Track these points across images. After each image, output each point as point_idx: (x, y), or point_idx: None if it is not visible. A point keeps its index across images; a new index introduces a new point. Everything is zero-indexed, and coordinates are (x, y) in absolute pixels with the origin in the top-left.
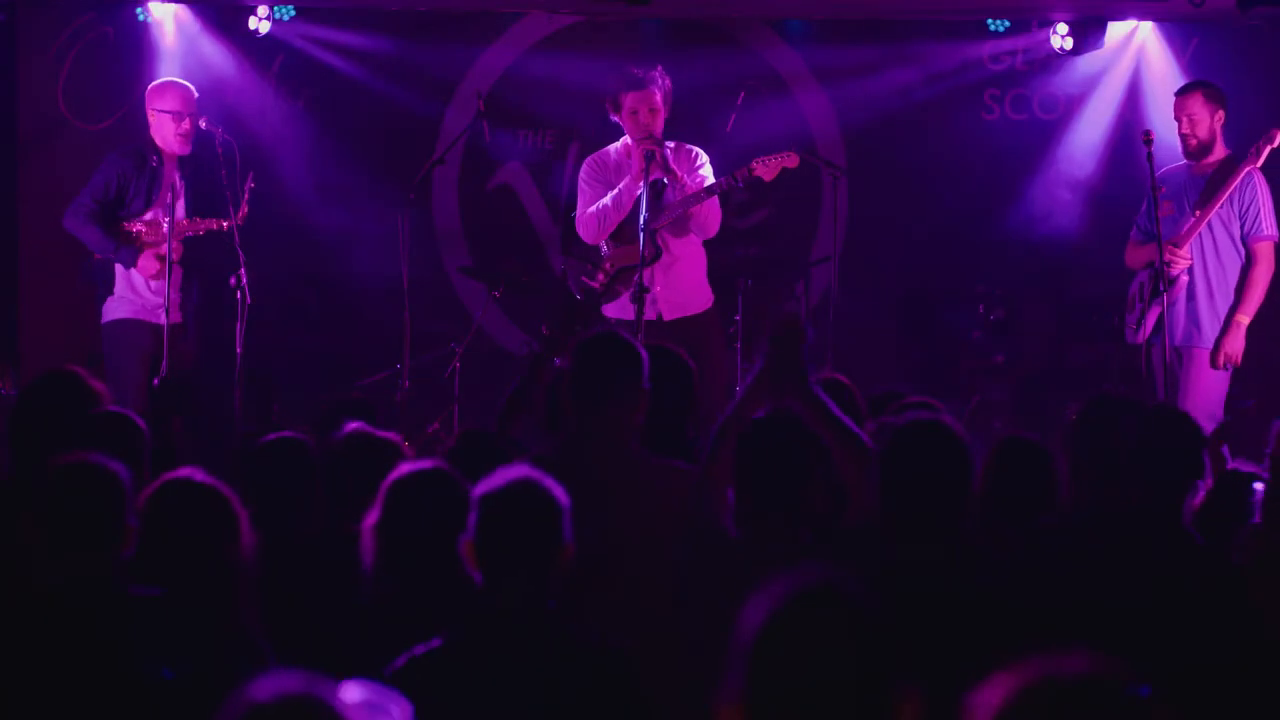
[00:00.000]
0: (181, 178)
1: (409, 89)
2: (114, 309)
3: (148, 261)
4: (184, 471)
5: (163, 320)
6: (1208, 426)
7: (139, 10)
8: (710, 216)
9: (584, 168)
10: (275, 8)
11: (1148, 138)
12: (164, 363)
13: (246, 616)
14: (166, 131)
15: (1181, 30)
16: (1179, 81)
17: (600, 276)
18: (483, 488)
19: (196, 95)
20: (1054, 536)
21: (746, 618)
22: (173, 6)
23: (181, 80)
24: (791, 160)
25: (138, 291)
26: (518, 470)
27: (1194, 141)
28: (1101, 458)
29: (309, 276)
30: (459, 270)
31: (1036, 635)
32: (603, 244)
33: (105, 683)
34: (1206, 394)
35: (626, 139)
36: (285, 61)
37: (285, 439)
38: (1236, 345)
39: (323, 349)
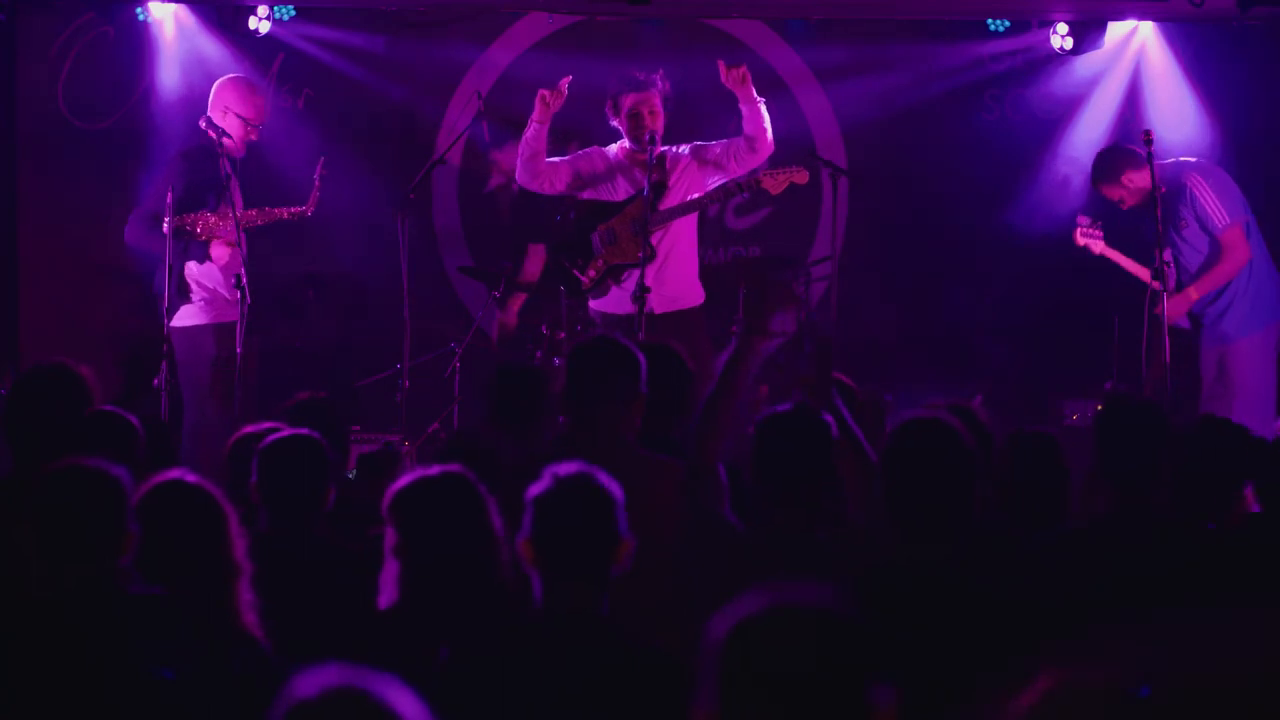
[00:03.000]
0: (235, 172)
1: (409, 89)
2: (188, 314)
3: (219, 250)
4: (174, 473)
5: (235, 316)
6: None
7: (139, 10)
8: (760, 135)
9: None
10: (275, 8)
11: (1148, 138)
12: (239, 353)
13: (244, 617)
14: (235, 133)
15: (1181, 30)
16: (1179, 81)
17: (591, 272)
18: (536, 487)
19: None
20: (1067, 538)
21: (716, 627)
22: (173, 6)
23: (258, 87)
24: (802, 176)
25: (213, 290)
26: (569, 467)
27: (1130, 208)
28: (1120, 461)
29: (309, 276)
30: (459, 270)
31: (1045, 636)
32: (594, 241)
33: (105, 683)
34: (1253, 388)
35: (624, 142)
36: (285, 61)
37: (298, 437)
38: (1176, 308)
39: (323, 349)
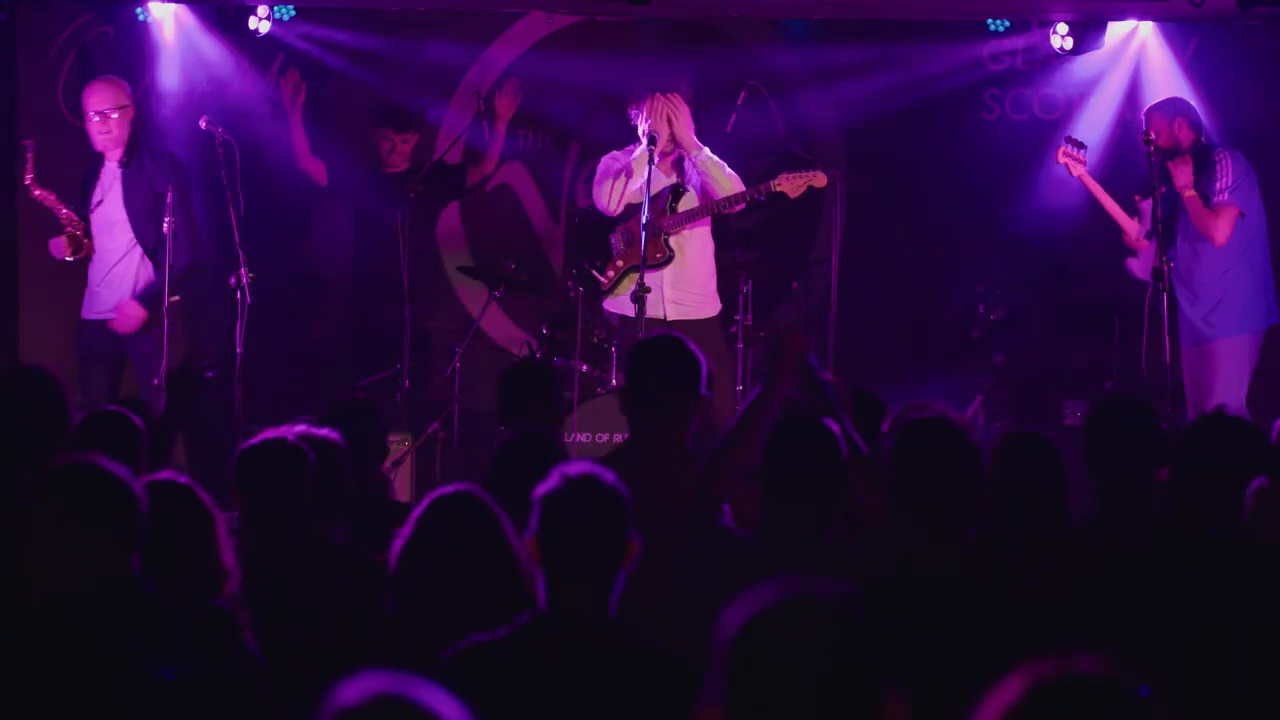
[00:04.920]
0: (122, 179)
1: (409, 89)
2: (83, 308)
3: (56, 243)
4: (164, 474)
5: (95, 313)
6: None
7: (139, 10)
8: (711, 188)
9: (606, 155)
10: (275, 8)
11: (1148, 137)
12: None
13: (235, 618)
14: (93, 131)
15: (1181, 30)
16: (1179, 81)
17: (610, 273)
18: (545, 486)
19: (121, 94)
20: (1066, 539)
21: (726, 623)
22: (173, 6)
23: (95, 82)
24: (820, 180)
25: (91, 287)
26: (579, 466)
27: (1153, 151)
28: (1110, 462)
29: (309, 276)
30: (459, 270)
31: (1053, 636)
32: (613, 242)
33: (105, 683)
34: (1222, 392)
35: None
36: (285, 61)
37: (277, 440)
38: (1183, 177)
39: (323, 349)
